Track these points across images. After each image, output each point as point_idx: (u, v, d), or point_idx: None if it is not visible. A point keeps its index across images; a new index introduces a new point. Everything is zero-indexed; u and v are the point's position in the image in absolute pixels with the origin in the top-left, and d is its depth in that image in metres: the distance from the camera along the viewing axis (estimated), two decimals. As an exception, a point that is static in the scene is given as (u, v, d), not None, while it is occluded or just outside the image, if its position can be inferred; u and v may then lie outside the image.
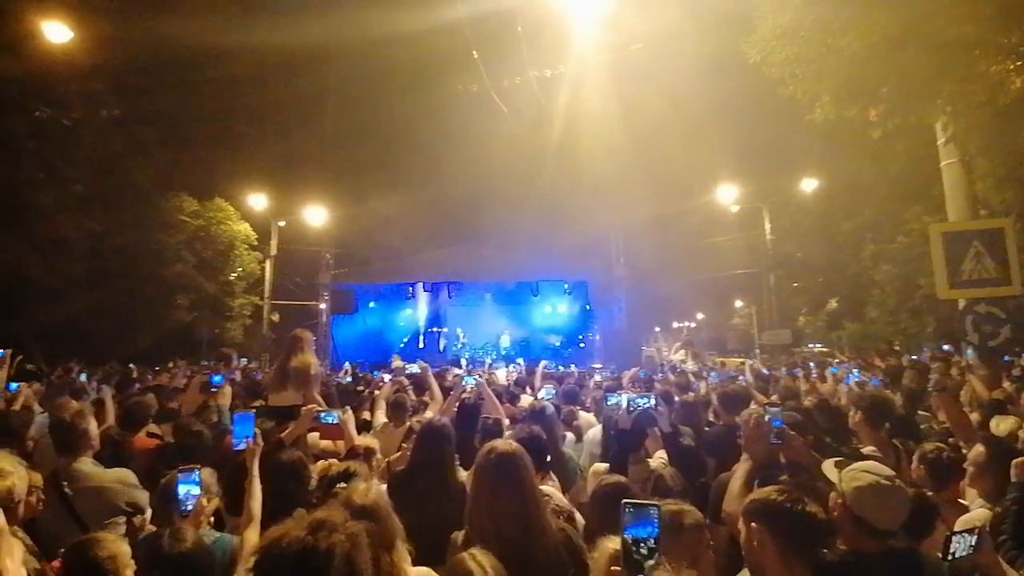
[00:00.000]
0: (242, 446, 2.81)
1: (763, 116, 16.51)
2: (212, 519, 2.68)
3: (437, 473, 2.84)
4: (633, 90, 18.36)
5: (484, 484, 2.17)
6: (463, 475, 3.39)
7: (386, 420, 4.75)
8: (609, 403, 4.57)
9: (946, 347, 14.16)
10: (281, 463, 2.85)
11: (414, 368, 6.47)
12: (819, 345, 23.72)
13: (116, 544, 1.98)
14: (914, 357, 12.46)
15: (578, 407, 5.69)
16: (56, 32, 13.12)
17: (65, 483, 2.89)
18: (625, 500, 1.73)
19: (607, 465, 3.37)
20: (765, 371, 8.16)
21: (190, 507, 2.19)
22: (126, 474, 3.07)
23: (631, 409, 3.45)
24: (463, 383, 4.73)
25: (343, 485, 2.45)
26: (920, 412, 5.47)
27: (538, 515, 2.13)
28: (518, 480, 2.14)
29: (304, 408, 3.71)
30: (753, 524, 1.89)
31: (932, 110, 6.56)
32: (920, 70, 5.90)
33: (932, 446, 3.01)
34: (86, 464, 3.04)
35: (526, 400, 5.76)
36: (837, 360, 11.92)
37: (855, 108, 6.74)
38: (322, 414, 3.54)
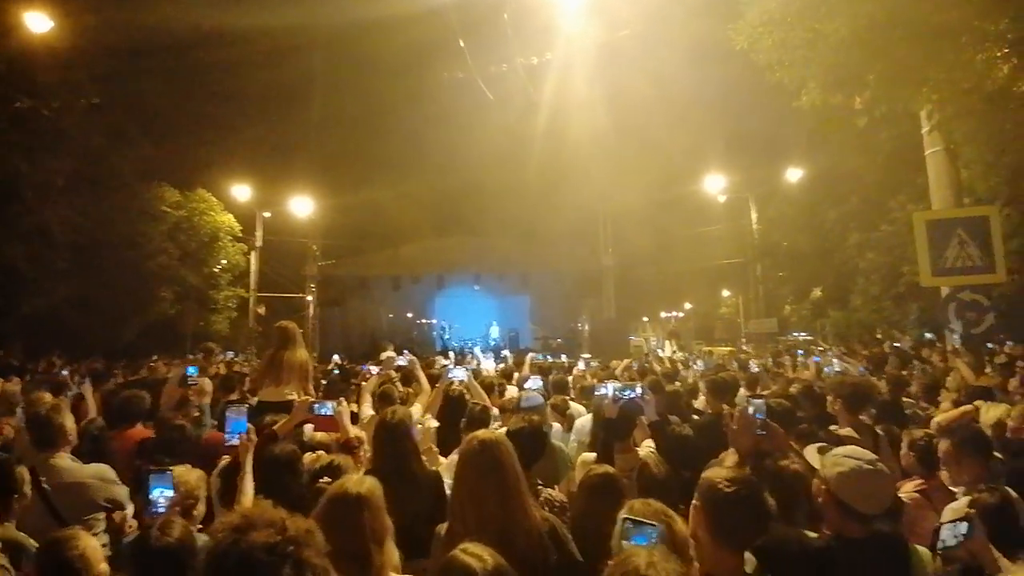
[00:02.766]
0: (235, 441, 2.76)
1: (750, 105, 16.57)
2: (200, 525, 2.63)
3: (403, 468, 2.80)
4: (620, 77, 18.25)
5: (466, 472, 2.19)
6: (444, 463, 3.37)
7: (373, 413, 4.70)
8: (597, 393, 4.58)
9: (928, 335, 14.38)
10: (275, 456, 2.83)
11: (402, 360, 6.41)
12: (804, 334, 23.99)
13: (86, 540, 1.94)
14: (896, 344, 12.63)
15: (569, 397, 5.69)
16: (36, 22, 12.89)
17: (43, 479, 2.83)
18: (624, 516, 1.74)
19: (595, 455, 3.37)
20: (754, 366, 8.16)
21: (162, 508, 2.14)
22: (104, 469, 3.01)
23: (617, 398, 3.46)
24: (449, 375, 4.70)
25: (327, 480, 2.42)
26: (904, 399, 5.55)
27: (520, 504, 2.13)
28: (500, 468, 2.15)
29: (298, 400, 3.67)
30: (695, 502, 1.92)
31: (918, 98, 6.58)
32: (906, 57, 5.90)
33: (921, 433, 3.04)
34: (63, 459, 2.97)
35: (512, 391, 5.74)
36: (820, 348, 12.05)
37: (841, 95, 6.74)
38: (316, 406, 3.51)
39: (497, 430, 3.87)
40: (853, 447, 2.18)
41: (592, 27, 13.42)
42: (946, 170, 7.88)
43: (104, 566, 1.93)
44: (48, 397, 3.49)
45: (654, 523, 1.74)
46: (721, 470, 2.02)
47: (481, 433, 2.31)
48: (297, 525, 1.17)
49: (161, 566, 1.85)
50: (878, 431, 3.70)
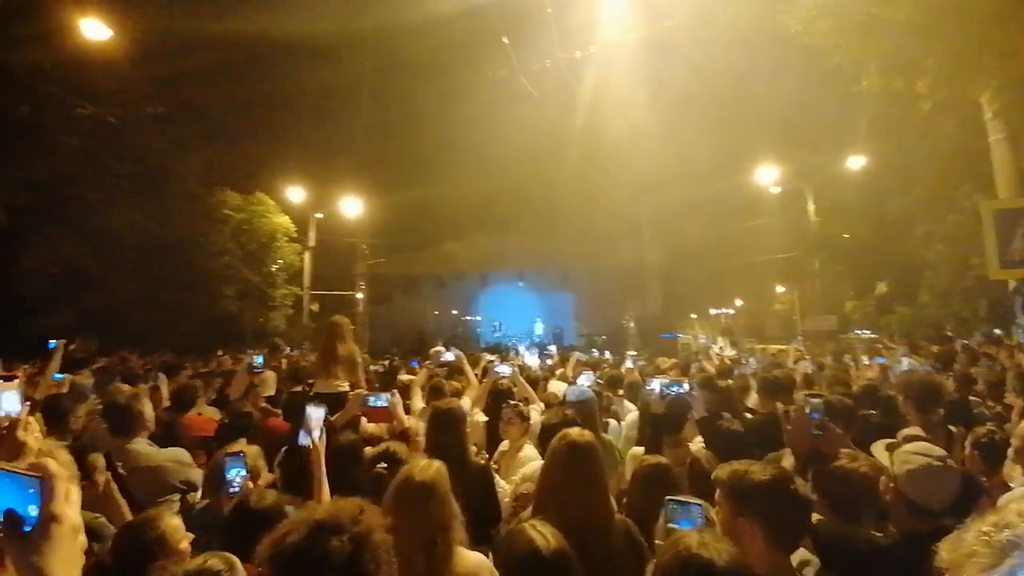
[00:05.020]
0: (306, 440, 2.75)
1: (805, 91, 15.88)
2: None
3: (451, 457, 2.86)
4: (666, 68, 17.86)
5: (554, 469, 2.22)
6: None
7: (423, 405, 4.83)
8: (645, 388, 4.56)
9: (997, 331, 13.51)
10: (339, 445, 2.97)
11: (449, 356, 6.52)
12: (867, 332, 22.84)
13: (167, 520, 2.04)
14: (965, 342, 11.89)
15: (618, 394, 5.68)
16: (94, 30, 13.19)
17: (119, 464, 3.03)
18: (668, 497, 1.74)
19: (643, 449, 3.37)
20: (809, 366, 7.77)
21: (237, 488, 2.30)
22: (180, 453, 3.21)
23: (665, 394, 3.44)
24: (495, 371, 4.78)
25: (383, 465, 2.52)
26: (971, 398, 5.27)
27: (602, 507, 2.16)
28: (586, 470, 2.18)
29: (353, 393, 3.80)
30: (733, 505, 1.78)
31: (977, 84, 6.29)
32: (963, 43, 5.68)
33: (984, 430, 2.91)
34: (141, 444, 3.18)
35: (555, 386, 5.76)
36: (884, 347, 11.44)
37: (902, 79, 6.46)
38: (370, 398, 3.61)
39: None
40: (923, 443, 2.12)
41: (636, 18, 13.21)
42: (1009, 158, 7.50)
43: (185, 544, 2.03)
44: (126, 387, 3.74)
45: (699, 501, 1.73)
46: (744, 465, 1.86)
47: (573, 433, 2.32)
48: (366, 527, 1.22)
49: (258, 526, 1.97)
50: (952, 429, 3.54)
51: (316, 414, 2.46)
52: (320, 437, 2.73)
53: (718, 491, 1.86)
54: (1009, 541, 0.63)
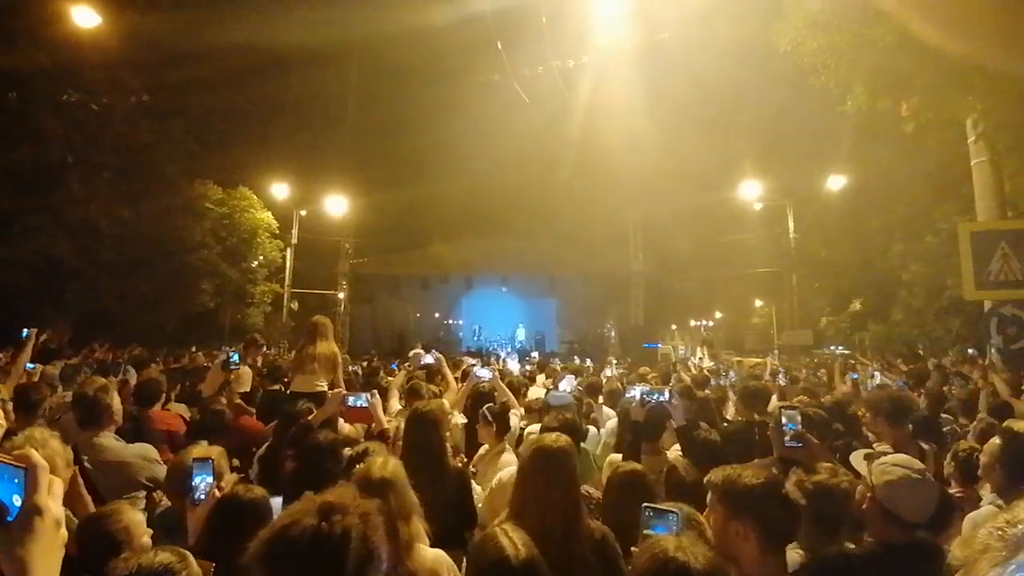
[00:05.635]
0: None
1: (791, 109, 16.19)
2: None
3: (429, 459, 2.84)
4: (658, 81, 18.04)
5: (532, 476, 2.20)
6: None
7: (400, 407, 4.78)
8: (626, 396, 4.57)
9: (970, 351, 13.83)
10: (318, 443, 2.94)
11: (429, 359, 6.49)
12: (840, 347, 23.26)
13: (130, 514, 2.02)
14: (935, 360, 12.16)
15: (599, 401, 5.68)
16: (84, 17, 12.98)
17: (85, 457, 2.94)
18: (645, 504, 1.74)
19: (621, 456, 3.37)
20: (782, 379, 7.94)
21: (203, 496, 2.24)
22: (147, 449, 3.13)
23: (645, 401, 3.45)
24: (475, 374, 4.75)
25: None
26: (942, 415, 5.37)
27: (579, 512, 2.16)
28: (566, 478, 2.17)
29: (332, 392, 3.76)
30: (725, 509, 1.79)
31: (964, 106, 6.43)
32: (952, 64, 5.79)
33: (966, 445, 2.97)
34: (108, 439, 3.09)
35: (536, 392, 5.76)
36: (863, 363, 11.67)
37: (888, 100, 6.60)
38: (350, 398, 3.57)
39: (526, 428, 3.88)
40: (903, 455, 2.15)
41: (630, 30, 13.34)
42: (991, 181, 7.66)
43: (147, 539, 2.01)
44: (98, 379, 3.63)
45: (674, 509, 1.74)
46: (740, 473, 1.86)
47: (547, 438, 2.30)
48: (368, 507, 1.22)
49: (247, 516, 1.98)
50: (923, 445, 3.60)
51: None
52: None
53: (710, 495, 1.87)
54: None
